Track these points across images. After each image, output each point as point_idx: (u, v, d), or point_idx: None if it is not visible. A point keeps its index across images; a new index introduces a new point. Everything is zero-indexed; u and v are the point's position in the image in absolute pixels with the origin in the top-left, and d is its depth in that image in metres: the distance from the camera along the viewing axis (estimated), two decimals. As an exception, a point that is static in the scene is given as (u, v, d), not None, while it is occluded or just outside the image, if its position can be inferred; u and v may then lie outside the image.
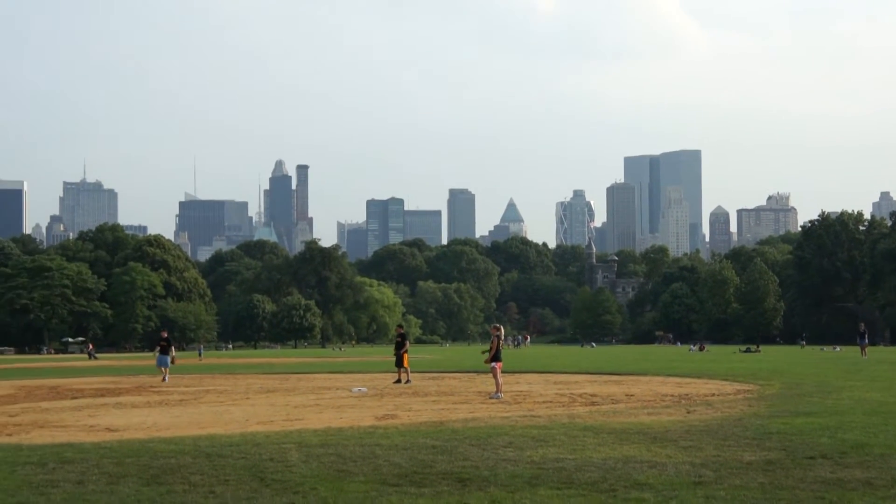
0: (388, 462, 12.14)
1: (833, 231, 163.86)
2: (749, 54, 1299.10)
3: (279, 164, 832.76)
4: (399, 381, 31.82)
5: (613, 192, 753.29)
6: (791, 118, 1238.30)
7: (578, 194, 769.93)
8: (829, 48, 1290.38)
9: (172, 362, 38.74)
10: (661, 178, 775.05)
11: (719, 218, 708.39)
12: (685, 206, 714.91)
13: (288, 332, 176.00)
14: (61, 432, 17.05)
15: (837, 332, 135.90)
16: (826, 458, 12.07)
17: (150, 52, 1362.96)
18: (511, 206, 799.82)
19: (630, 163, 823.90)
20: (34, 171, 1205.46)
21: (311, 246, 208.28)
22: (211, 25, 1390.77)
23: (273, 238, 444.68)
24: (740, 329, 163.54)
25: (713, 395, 24.18)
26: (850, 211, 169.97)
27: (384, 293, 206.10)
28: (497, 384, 24.54)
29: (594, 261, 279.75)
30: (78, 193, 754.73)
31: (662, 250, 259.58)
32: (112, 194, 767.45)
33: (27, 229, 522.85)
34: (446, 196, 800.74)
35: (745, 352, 79.21)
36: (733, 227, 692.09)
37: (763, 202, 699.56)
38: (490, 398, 23.78)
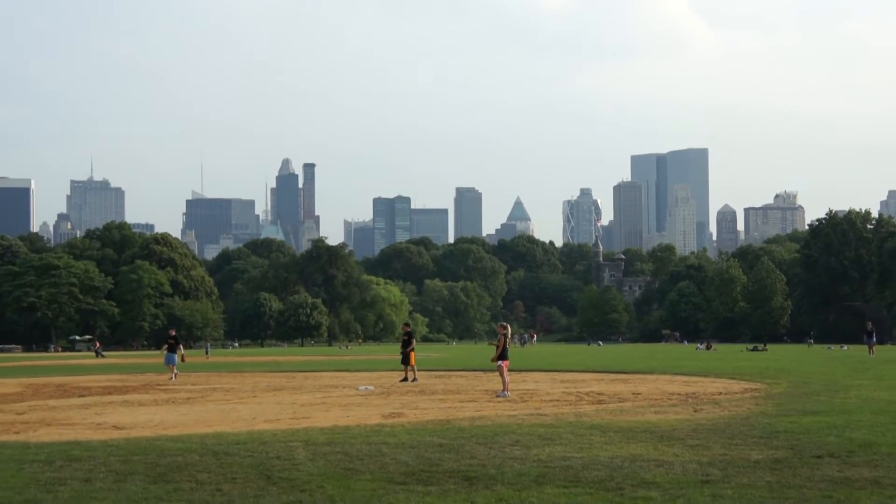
0: (395, 460, 12.15)
1: (840, 230, 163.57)
2: (757, 53, 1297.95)
3: (286, 163, 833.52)
4: (406, 379, 31.81)
5: (620, 190, 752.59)
6: (798, 117, 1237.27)
7: (585, 193, 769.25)
8: (836, 47, 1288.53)
9: (182, 360, 38.80)
10: (669, 176, 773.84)
11: (726, 216, 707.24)
12: (692, 205, 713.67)
13: (295, 330, 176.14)
14: (68, 430, 17.09)
15: (845, 330, 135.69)
16: (833, 457, 12.05)
17: (158, 51, 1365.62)
18: (518, 205, 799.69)
19: (637, 161, 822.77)
20: (42, 169, 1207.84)
21: (318, 244, 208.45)
22: (218, 25, 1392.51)
23: (280, 236, 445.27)
24: (747, 328, 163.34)
25: (720, 393, 24.15)
26: (857, 209, 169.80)
27: (391, 291, 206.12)
28: (504, 382, 24.51)
29: (601, 259, 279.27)
30: (85, 192, 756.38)
31: (669, 249, 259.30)
32: (119, 192, 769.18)
33: (34, 227, 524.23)
34: (453, 194, 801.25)
35: (753, 350, 79.06)
36: (740, 226, 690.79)
37: (770, 201, 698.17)
38: (497, 396, 23.78)
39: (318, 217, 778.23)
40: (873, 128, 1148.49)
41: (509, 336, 25.59)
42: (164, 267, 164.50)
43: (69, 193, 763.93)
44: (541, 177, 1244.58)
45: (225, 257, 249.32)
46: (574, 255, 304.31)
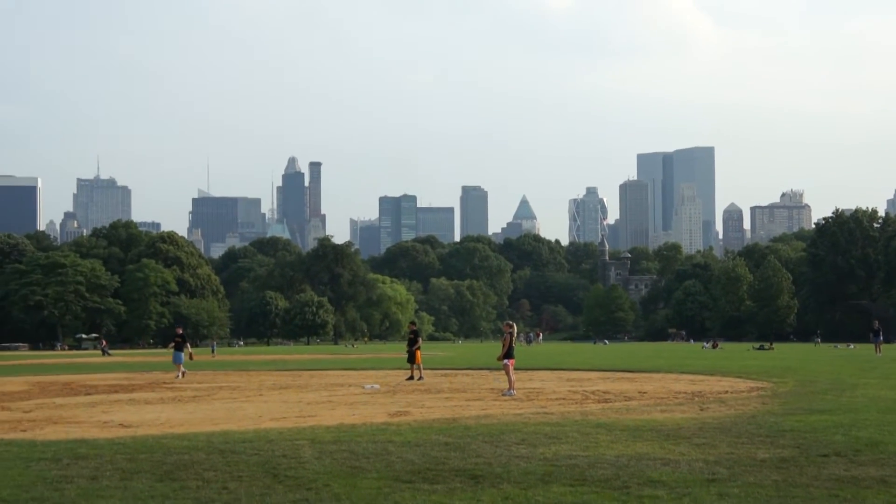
0: (401, 459, 12.14)
1: (847, 228, 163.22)
2: (762, 51, 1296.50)
3: (292, 161, 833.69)
4: (412, 377, 31.80)
5: (626, 189, 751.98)
6: (805, 115, 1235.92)
7: (591, 191, 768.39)
8: (843, 45, 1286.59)
9: (190, 358, 38.79)
10: (675, 175, 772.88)
11: (733, 215, 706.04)
12: (698, 204, 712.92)
13: (300, 328, 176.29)
14: (75, 428, 17.11)
15: (851, 329, 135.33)
16: (840, 456, 12.02)
17: (164, 50, 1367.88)
18: (524, 203, 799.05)
19: (643, 160, 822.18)
20: (48, 168, 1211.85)
21: (324, 243, 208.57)
22: (225, 24, 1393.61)
23: (286, 235, 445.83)
24: (754, 326, 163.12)
25: (726, 392, 24.11)
26: (864, 208, 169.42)
27: (397, 290, 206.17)
28: (510, 381, 24.51)
29: (607, 258, 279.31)
30: (91, 190, 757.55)
31: (675, 247, 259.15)
32: (125, 191, 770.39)
33: (41, 226, 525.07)
34: (459, 193, 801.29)
35: (759, 349, 78.97)
36: (747, 225, 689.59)
37: (777, 199, 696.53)
38: (503, 395, 23.77)
39: (324, 216, 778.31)
40: (880, 126, 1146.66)
41: (515, 335, 25.60)
42: (170, 265, 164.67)
43: (76, 192, 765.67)
44: (547, 175, 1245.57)
45: (231, 256, 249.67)
46: (580, 254, 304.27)
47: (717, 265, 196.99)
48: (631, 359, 52.13)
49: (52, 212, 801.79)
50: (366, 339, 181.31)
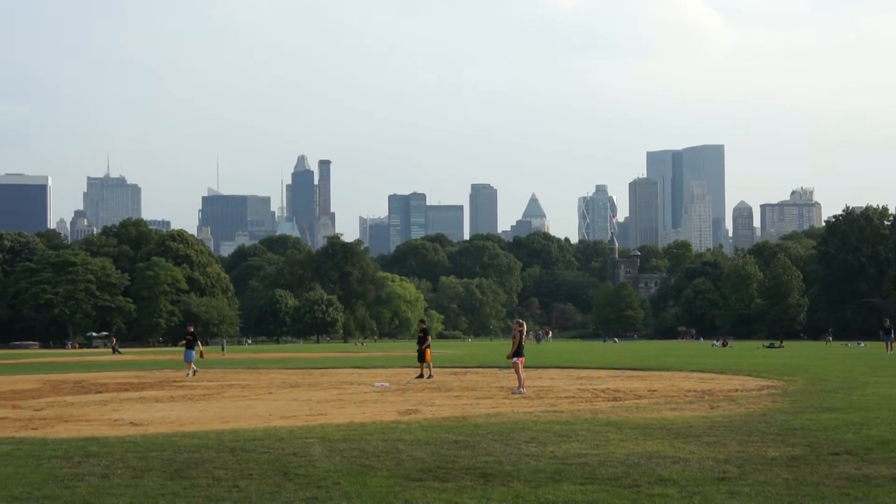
0: (411, 457, 12.16)
1: (857, 226, 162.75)
2: (772, 48, 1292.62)
3: (301, 160, 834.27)
4: (421, 376, 31.81)
5: (636, 187, 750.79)
6: (815, 112, 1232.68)
7: (601, 189, 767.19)
8: (852, 42, 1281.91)
9: (201, 356, 38.81)
10: (684, 172, 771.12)
11: (742, 213, 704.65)
12: (708, 201, 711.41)
13: (310, 327, 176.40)
14: (86, 426, 17.16)
15: (861, 327, 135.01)
16: (851, 455, 12.00)
17: (174, 49, 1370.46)
18: (533, 202, 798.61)
19: (652, 158, 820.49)
20: (58, 166, 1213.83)
21: (334, 241, 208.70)
22: (234, 24, 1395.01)
23: (295, 233, 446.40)
24: (764, 324, 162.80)
25: (737, 390, 24.07)
26: (874, 206, 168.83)
27: (406, 288, 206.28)
28: (519, 379, 24.51)
29: (616, 256, 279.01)
30: (102, 188, 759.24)
31: (685, 245, 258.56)
32: (135, 189, 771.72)
33: (51, 224, 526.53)
34: (468, 191, 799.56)
35: (769, 347, 78.85)
36: (756, 222, 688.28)
37: (787, 197, 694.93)
38: (512, 393, 23.77)
39: (333, 214, 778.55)
40: (890, 124, 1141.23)
41: (525, 333, 25.61)
42: (180, 264, 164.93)
43: (86, 190, 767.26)
44: (556, 174, 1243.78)
45: (241, 254, 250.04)
46: (589, 252, 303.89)
47: (727, 263, 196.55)
48: (641, 357, 52.06)
49: (62, 210, 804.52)
50: (375, 337, 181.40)
